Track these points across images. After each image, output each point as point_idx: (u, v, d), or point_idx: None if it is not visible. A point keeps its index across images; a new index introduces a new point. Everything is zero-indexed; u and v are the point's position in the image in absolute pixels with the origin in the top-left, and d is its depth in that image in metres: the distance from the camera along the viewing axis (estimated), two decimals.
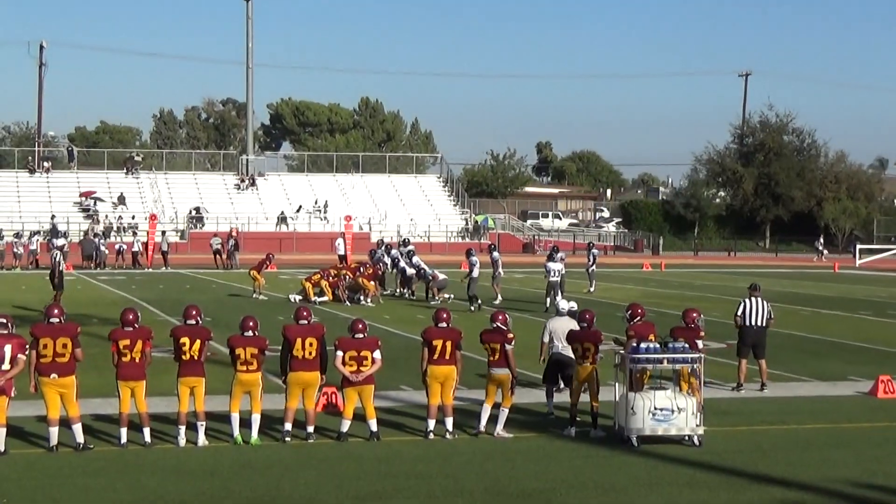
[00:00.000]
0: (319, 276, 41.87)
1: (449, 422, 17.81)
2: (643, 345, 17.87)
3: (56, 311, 16.87)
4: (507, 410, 18.09)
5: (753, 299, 23.33)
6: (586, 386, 18.19)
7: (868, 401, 21.98)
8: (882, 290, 52.21)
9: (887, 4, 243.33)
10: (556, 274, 38.61)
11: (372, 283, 41.55)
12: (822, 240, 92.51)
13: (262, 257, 46.06)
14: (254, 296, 42.95)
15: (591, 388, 18.23)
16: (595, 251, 44.77)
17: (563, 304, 20.51)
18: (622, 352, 18.13)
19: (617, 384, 18.09)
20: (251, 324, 17.28)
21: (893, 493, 14.82)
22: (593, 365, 18.22)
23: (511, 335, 18.08)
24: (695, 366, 17.88)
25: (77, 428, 16.55)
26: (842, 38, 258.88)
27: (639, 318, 19.22)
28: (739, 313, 23.33)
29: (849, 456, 16.92)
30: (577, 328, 18.81)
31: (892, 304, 44.41)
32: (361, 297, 40.92)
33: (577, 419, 18.33)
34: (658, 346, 17.90)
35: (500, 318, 18.33)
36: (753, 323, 23.20)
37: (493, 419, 18.08)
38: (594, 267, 46.57)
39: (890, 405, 21.46)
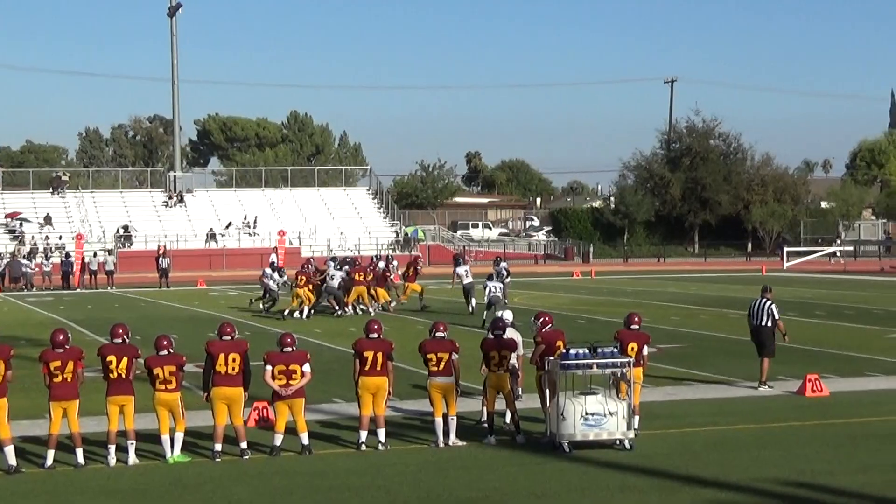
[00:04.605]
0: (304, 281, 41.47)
1: (381, 433, 17.80)
2: (573, 350, 17.96)
3: None
4: (455, 418, 18.13)
5: (759, 300, 24.24)
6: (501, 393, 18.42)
7: (796, 400, 22.24)
8: (809, 292, 52.74)
9: (810, 9, 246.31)
10: (497, 289, 38.51)
11: (382, 289, 43.11)
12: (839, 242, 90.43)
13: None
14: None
15: (508, 396, 18.42)
16: (503, 264, 44.65)
17: (508, 316, 20.55)
18: (552, 358, 18.22)
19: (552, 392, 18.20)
20: (165, 342, 17.20)
21: (822, 490, 14.98)
22: (507, 373, 18.38)
23: (458, 345, 18.25)
24: (624, 370, 17.97)
25: (9, 450, 16.36)
26: (767, 43, 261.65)
27: (549, 325, 19.30)
28: (747, 313, 24.56)
29: (778, 455, 17.09)
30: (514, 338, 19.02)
31: (819, 304, 44.91)
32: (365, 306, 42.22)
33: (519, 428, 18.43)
34: (588, 351, 17.98)
35: (443, 327, 18.42)
36: (756, 322, 24.14)
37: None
38: (508, 279, 46.14)
39: (817, 403, 21.74)
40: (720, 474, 15.83)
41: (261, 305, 43.53)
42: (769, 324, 23.98)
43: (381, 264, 45.75)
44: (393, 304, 43.21)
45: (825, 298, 48.66)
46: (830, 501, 14.57)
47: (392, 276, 45.31)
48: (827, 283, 61.68)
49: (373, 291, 42.66)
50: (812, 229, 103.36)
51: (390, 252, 74.03)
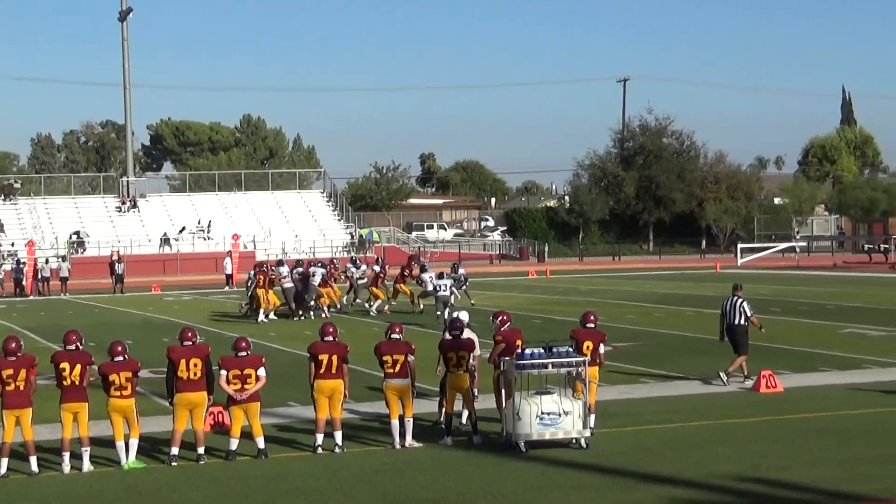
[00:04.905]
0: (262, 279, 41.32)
1: (338, 436, 17.76)
2: (528, 350, 17.99)
3: None
4: (411, 420, 18.13)
5: (731, 298, 24.46)
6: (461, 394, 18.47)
7: (751, 396, 22.37)
8: (763, 288, 52.98)
9: (762, 7, 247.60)
10: (445, 288, 38.76)
11: (378, 289, 43.54)
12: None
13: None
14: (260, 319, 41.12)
15: (467, 396, 18.43)
16: (462, 271, 45.14)
17: (464, 316, 20.57)
18: (507, 358, 18.23)
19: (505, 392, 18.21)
20: (120, 349, 17.09)
21: (776, 485, 15.07)
22: (466, 373, 18.39)
23: (414, 346, 18.28)
24: (579, 369, 18.01)
25: None
26: (719, 41, 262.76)
27: (508, 324, 19.33)
28: (720, 312, 24.71)
29: (733, 451, 17.19)
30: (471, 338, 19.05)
31: (773, 301, 45.11)
32: (366, 303, 43.91)
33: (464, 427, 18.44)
34: (543, 350, 18.00)
35: (398, 329, 18.40)
36: (730, 321, 24.33)
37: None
38: (466, 285, 46.26)
39: (772, 399, 21.88)
40: (676, 471, 15.90)
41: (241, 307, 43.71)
42: (742, 322, 24.16)
43: (364, 267, 46.86)
44: (386, 307, 43.34)
45: (779, 294, 48.94)
46: (784, 496, 14.66)
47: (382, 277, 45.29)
48: (781, 279, 62.07)
49: (373, 290, 43.51)
50: (765, 226, 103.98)
51: (355, 254, 73.90)
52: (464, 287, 44.87)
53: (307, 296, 41.75)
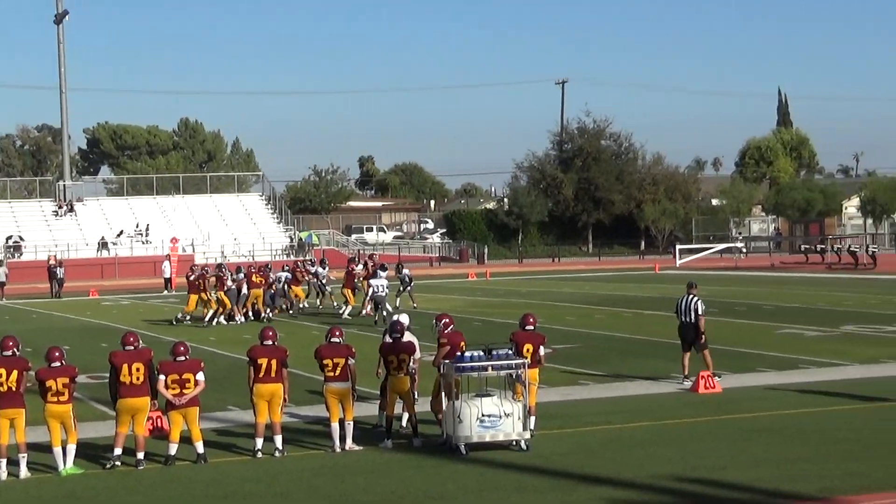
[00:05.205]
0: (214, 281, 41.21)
1: (278, 440, 17.72)
2: (468, 353, 18.00)
3: None
4: (351, 423, 18.08)
5: (686, 296, 24.65)
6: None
7: (690, 397, 22.49)
8: (701, 289, 53.13)
9: (697, 9, 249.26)
10: (382, 289, 38.78)
11: (350, 290, 42.79)
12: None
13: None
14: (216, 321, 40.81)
15: (407, 399, 18.41)
16: (406, 271, 45.19)
17: (405, 319, 20.55)
18: (447, 361, 18.22)
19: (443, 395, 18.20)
20: (57, 354, 16.94)
21: (715, 485, 15.15)
22: (406, 376, 18.38)
23: (354, 350, 18.31)
24: (519, 371, 18.03)
25: None
26: (656, 43, 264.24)
27: (450, 326, 19.34)
28: (675, 310, 24.82)
29: (672, 452, 17.26)
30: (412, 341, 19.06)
31: (711, 301, 45.23)
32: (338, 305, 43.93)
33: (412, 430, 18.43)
34: (483, 353, 18.00)
35: (338, 332, 18.36)
36: (684, 319, 24.46)
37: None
38: (412, 285, 46.15)
39: (710, 400, 22.01)
40: (616, 472, 15.95)
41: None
42: (693, 320, 24.30)
43: (328, 268, 47.12)
44: (349, 310, 42.28)
45: (717, 295, 49.10)
46: (723, 496, 14.74)
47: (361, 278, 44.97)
48: (719, 279, 62.37)
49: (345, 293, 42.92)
50: (703, 227, 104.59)
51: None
52: (408, 288, 44.80)
53: (275, 301, 42.61)
